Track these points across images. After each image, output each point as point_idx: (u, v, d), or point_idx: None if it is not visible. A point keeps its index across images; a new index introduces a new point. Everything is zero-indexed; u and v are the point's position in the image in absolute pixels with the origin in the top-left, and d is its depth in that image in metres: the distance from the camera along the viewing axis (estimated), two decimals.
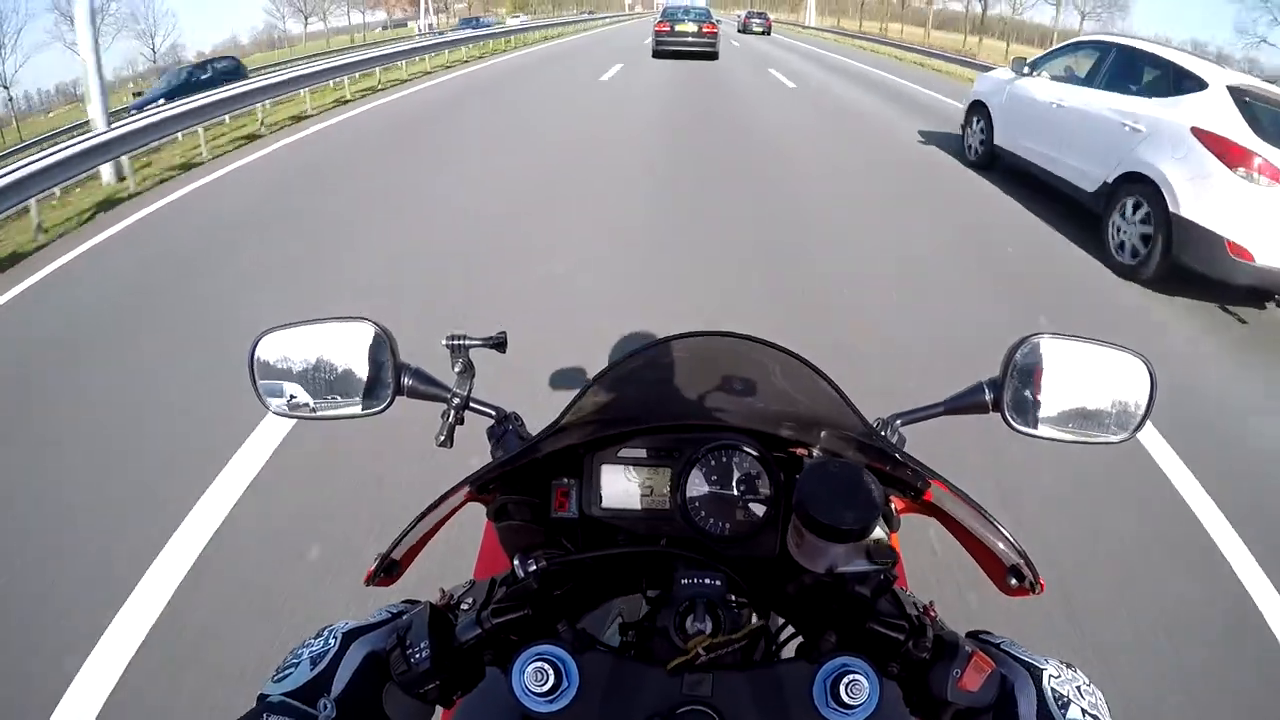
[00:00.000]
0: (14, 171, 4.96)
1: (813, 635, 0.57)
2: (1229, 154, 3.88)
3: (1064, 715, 0.49)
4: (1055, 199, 5.53)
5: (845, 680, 0.50)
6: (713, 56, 16.31)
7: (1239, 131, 3.93)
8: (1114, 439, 0.76)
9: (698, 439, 0.65)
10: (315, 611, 1.84)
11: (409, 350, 0.77)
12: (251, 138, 7.91)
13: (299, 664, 0.52)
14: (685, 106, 10.01)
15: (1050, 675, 0.51)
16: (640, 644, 0.62)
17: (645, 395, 0.66)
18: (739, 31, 33.74)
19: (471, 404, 0.80)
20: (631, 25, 38.20)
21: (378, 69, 11.93)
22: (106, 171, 6.30)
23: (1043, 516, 2.31)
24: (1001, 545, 0.62)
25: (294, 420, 1.40)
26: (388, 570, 0.64)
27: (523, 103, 10.06)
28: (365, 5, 61.14)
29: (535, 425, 0.80)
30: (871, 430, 0.62)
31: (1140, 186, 4.33)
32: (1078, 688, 0.51)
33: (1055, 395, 0.76)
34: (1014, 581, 0.62)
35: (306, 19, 55.19)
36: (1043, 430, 0.76)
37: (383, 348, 0.76)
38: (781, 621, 0.70)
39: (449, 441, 0.79)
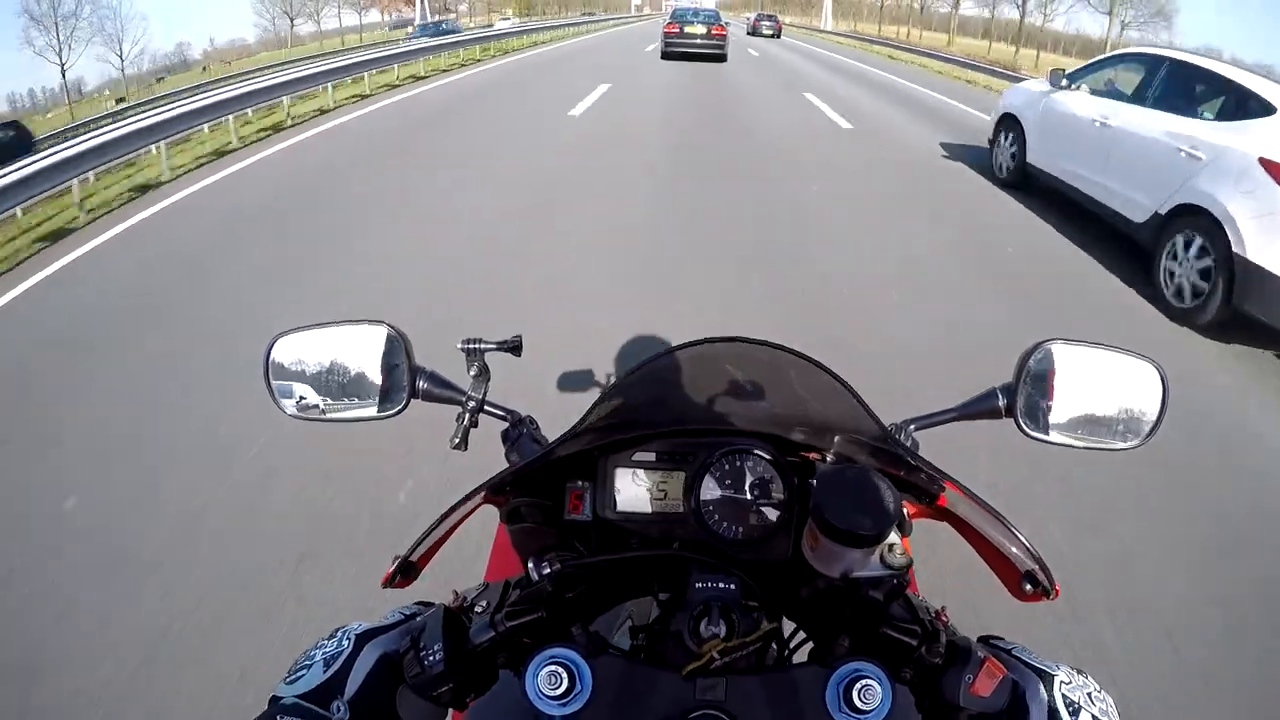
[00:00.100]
0: None
1: (825, 640, 0.57)
2: None
3: None
4: (1091, 222, 5.04)
5: (858, 685, 0.50)
6: (721, 59, 16.45)
7: None
8: (1126, 445, 0.76)
9: (712, 443, 0.65)
10: None
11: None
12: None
13: (312, 665, 0.52)
14: (693, 150, 7.30)
15: (1061, 681, 0.51)
16: (651, 647, 0.62)
17: (659, 400, 0.66)
18: (748, 34, 32.69)
19: (486, 407, 0.80)
20: (641, 27, 36.98)
21: (285, 97, 8.74)
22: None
23: None
24: (1016, 550, 0.62)
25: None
26: (405, 572, 0.64)
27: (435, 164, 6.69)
28: (361, 5, 61.01)
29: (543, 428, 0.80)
30: (887, 434, 0.62)
31: (1197, 219, 3.83)
32: (1089, 694, 0.51)
33: (1068, 401, 0.76)
34: (1028, 587, 0.62)
35: (293, 20, 54.71)
36: (1054, 436, 0.76)
37: (398, 350, 0.76)
38: (793, 626, 0.70)
39: (463, 444, 0.79)
